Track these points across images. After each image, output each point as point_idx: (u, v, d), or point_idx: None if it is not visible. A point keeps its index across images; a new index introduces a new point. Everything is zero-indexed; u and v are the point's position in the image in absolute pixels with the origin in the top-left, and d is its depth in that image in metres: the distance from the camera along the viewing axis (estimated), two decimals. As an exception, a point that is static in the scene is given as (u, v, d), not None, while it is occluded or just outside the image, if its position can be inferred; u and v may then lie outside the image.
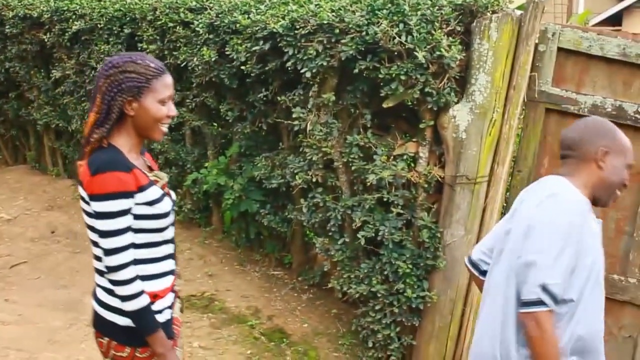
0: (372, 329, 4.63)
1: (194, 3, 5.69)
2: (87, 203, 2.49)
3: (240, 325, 5.16)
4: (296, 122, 4.77)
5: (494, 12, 4.17)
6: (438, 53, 4.07)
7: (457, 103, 4.26)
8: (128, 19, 6.38)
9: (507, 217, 2.79)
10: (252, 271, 5.95)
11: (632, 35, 4.22)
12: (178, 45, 5.81)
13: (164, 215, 2.59)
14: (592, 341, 2.53)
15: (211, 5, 5.52)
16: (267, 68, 4.97)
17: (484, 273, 2.85)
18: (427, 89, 4.17)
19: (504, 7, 4.20)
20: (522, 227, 2.51)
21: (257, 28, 4.84)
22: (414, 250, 4.42)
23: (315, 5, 4.52)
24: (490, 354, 2.60)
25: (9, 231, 6.81)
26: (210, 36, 5.37)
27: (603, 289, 2.58)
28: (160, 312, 2.61)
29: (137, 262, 2.53)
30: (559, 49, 4.25)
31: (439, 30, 4.10)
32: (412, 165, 4.46)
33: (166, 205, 2.60)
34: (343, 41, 4.31)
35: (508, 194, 4.50)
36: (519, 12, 4.24)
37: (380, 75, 4.23)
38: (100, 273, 2.59)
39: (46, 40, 7.25)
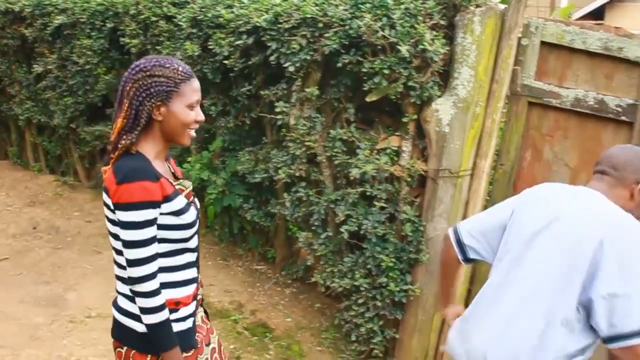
0: (355, 323, 4.64)
1: (177, -3, 5.69)
2: (112, 211, 2.44)
3: (224, 320, 5.15)
4: (279, 117, 4.77)
5: (477, 6, 4.18)
6: (421, 47, 4.08)
7: (440, 97, 4.27)
8: (110, 13, 6.36)
9: (517, 210, 2.73)
10: (235, 266, 5.95)
11: (614, 29, 4.23)
12: (161, 39, 5.79)
13: (190, 226, 2.54)
14: None
15: (194, -1, 5.52)
16: (250, 62, 4.96)
17: (468, 260, 2.87)
18: (410, 83, 4.18)
19: (487, 1, 4.21)
20: (604, 255, 2.38)
21: (240, 22, 4.83)
22: (397, 244, 4.43)
23: (299, -2, 4.52)
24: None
25: (-10, 227, 6.78)
26: (194, 30, 5.36)
27: None
28: (183, 319, 2.57)
29: (160, 270, 2.48)
30: (542, 43, 4.26)
31: (423, 24, 4.11)
32: (395, 159, 4.46)
33: (191, 215, 2.54)
34: (326, 35, 4.31)
35: (491, 187, 4.51)
36: (502, 6, 4.25)
37: (364, 69, 4.23)
38: (123, 280, 2.55)
39: (28, 34, 7.20)
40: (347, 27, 4.22)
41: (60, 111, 7.16)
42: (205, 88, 5.63)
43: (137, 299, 2.44)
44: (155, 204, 2.39)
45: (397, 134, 4.49)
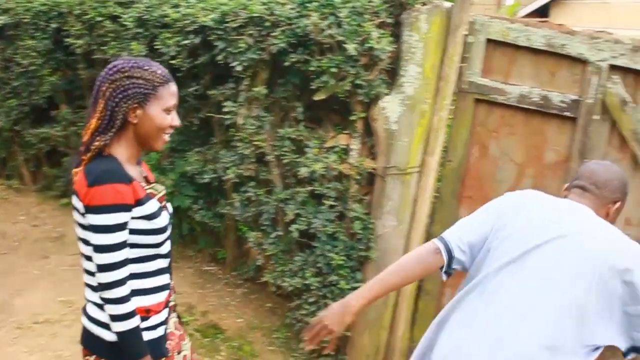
0: (306, 322, 4.62)
1: (122, -4, 5.62)
2: (82, 215, 2.38)
3: (174, 322, 5.10)
4: (228, 116, 4.75)
5: (423, 4, 4.22)
6: (368, 45, 4.10)
7: (387, 95, 4.29)
8: (55, 13, 6.24)
9: (504, 219, 2.63)
10: (185, 267, 5.89)
11: (557, 26, 4.31)
12: (107, 39, 5.70)
13: (161, 231, 2.48)
14: None
15: (140, -2, 5.46)
16: (197, 62, 4.93)
17: (448, 273, 2.70)
18: (357, 81, 4.20)
19: (433, -1, 4.26)
20: (624, 276, 2.39)
21: (187, 22, 4.80)
22: (346, 242, 4.44)
23: (246, -3, 4.51)
24: None
25: None
26: (140, 30, 5.30)
27: None
28: (154, 327, 2.51)
29: (130, 276, 2.42)
30: (487, 40, 4.31)
31: (369, 23, 4.14)
32: (344, 157, 4.47)
33: (163, 219, 2.49)
34: (274, 34, 4.31)
35: (439, 183, 4.54)
36: (448, 4, 4.29)
37: (312, 68, 4.24)
38: (92, 288, 2.48)
39: (-31, 36, 7.05)
40: (294, 25, 4.22)
41: (4, 113, 7.00)
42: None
43: (107, 306, 2.38)
44: (127, 207, 2.34)
45: (345, 132, 4.51)
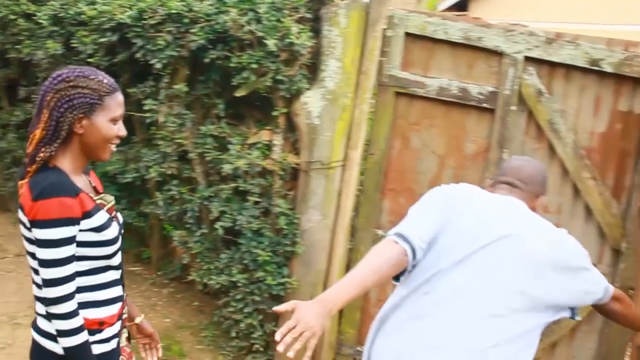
0: (234, 319, 4.62)
1: (36, -6, 5.47)
2: (28, 229, 2.31)
3: (100, 324, 5.02)
4: (148, 115, 4.68)
5: (342, -2, 4.24)
6: (288, 40, 4.10)
7: (309, 89, 4.30)
8: (-36, 12, 6.05)
9: (450, 217, 2.60)
10: (110, 269, 5.80)
11: (474, 19, 4.38)
12: (21, 38, 5.53)
13: (112, 242, 2.42)
14: None
15: (54, -5, 5.32)
16: (116, 60, 4.83)
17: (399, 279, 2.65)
18: (278, 77, 4.19)
19: (352, -7, 4.28)
20: (559, 263, 2.57)
21: (103, 19, 4.69)
22: (272, 237, 4.44)
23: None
24: None
25: None
26: (55, 28, 5.15)
27: None
28: (107, 340, 2.46)
29: (81, 289, 2.36)
30: (406, 34, 4.35)
31: (289, 18, 4.14)
32: (267, 153, 4.46)
33: (113, 230, 2.42)
34: (193, 30, 4.26)
35: (362, 177, 4.57)
36: (366, -1, 4.33)
37: (232, 64, 4.22)
38: (41, 301, 2.40)
39: None
40: (213, 22, 4.18)
41: None
42: (69, 87, 5.50)
43: (54, 321, 2.32)
44: (73, 221, 2.28)
45: (267, 127, 4.49)
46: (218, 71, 4.46)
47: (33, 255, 2.35)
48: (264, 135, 4.47)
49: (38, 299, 2.44)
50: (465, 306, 2.47)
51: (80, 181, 2.40)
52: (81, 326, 2.33)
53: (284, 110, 4.37)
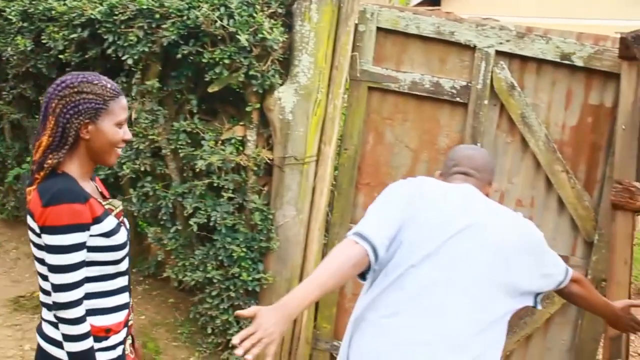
0: (210, 315, 4.61)
1: (5, -10, 5.41)
2: (38, 235, 2.30)
3: (74, 323, 4.99)
4: (121, 111, 4.64)
5: (314, -7, 4.23)
6: (260, 36, 4.09)
7: (282, 85, 4.30)
8: None
9: (412, 211, 2.58)
10: (84, 266, 5.77)
11: (445, 14, 4.39)
12: (-10, 35, 5.50)
13: (121, 247, 2.44)
14: None
15: (24, -9, 5.26)
16: (87, 56, 4.80)
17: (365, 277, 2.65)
18: (251, 72, 4.18)
19: (323, -12, 4.27)
20: (522, 249, 2.61)
21: (74, 15, 4.65)
22: (247, 233, 4.43)
23: (135, -11, 4.41)
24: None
25: None
26: (25, 24, 5.11)
27: None
28: (113, 347, 2.47)
29: (89, 295, 2.37)
30: (378, 29, 4.36)
31: (261, 13, 4.13)
32: (241, 148, 4.45)
33: (122, 236, 2.45)
34: (164, 26, 4.24)
35: (336, 172, 4.58)
36: (338, -6, 4.32)
37: (204, 60, 4.20)
38: (48, 307, 2.40)
39: None
40: (184, 17, 4.16)
41: None
42: (41, 84, 5.46)
43: (61, 326, 2.32)
44: (84, 227, 2.30)
45: (241, 123, 4.48)
46: (190, 67, 4.44)
47: (41, 261, 2.36)
48: (238, 131, 4.46)
49: (44, 304, 2.45)
50: (440, 299, 2.48)
51: (88, 186, 2.42)
52: (88, 332, 2.35)
53: (257, 105, 4.36)
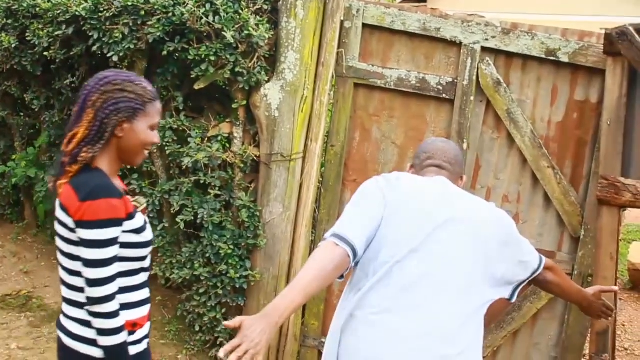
0: (197, 313, 4.60)
1: (-11, -13, 5.36)
2: (70, 229, 2.32)
3: (62, 321, 4.97)
4: (106, 108, 4.62)
5: (299, -10, 4.22)
6: (246, 32, 4.08)
7: (268, 82, 4.29)
8: None
9: (390, 210, 2.57)
10: (71, 265, 5.74)
11: (431, 10, 4.40)
12: (-26, 32, 5.46)
13: (148, 244, 2.49)
14: None
15: (8, -12, 5.22)
16: (72, 53, 4.76)
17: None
18: (237, 69, 4.17)
19: (309, -15, 4.26)
20: (500, 239, 2.64)
21: (58, 12, 4.61)
22: (234, 230, 4.42)
23: (120, -14, 4.38)
24: (434, 355, 2.48)
25: None
26: (9, 21, 5.06)
27: None
28: (139, 341, 2.49)
29: (119, 290, 2.40)
30: (364, 25, 4.37)
31: (246, 10, 4.12)
32: (227, 145, 4.45)
33: (149, 233, 2.50)
34: (150, 23, 4.22)
35: (323, 169, 4.58)
36: (324, -10, 4.32)
37: (190, 57, 4.19)
38: (72, 303, 2.42)
39: None
40: (170, 14, 4.14)
41: None
42: (26, 82, 5.43)
43: (96, 320, 2.34)
44: (119, 222, 2.33)
45: (227, 120, 4.48)
46: (176, 64, 4.42)
47: (70, 256, 2.37)
48: (224, 128, 4.45)
49: (70, 301, 2.45)
50: (427, 292, 2.49)
51: (117, 184, 2.45)
52: (122, 326, 2.38)
53: (244, 102, 4.35)
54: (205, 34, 4.15)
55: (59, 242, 2.42)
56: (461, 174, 2.88)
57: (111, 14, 4.32)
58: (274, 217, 4.41)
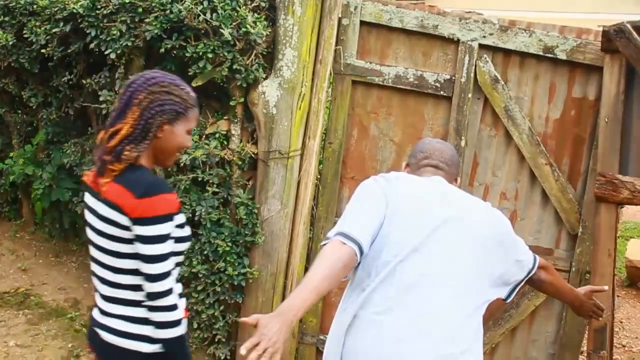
0: (196, 310, 4.60)
1: (-14, -16, 5.35)
2: (123, 227, 2.37)
3: (60, 318, 4.99)
4: (104, 106, 4.61)
5: (297, -13, 4.22)
6: (244, 30, 4.07)
7: (265, 79, 4.29)
8: None
9: (392, 208, 2.59)
10: (69, 262, 5.74)
11: (428, 8, 4.41)
12: (-29, 29, 5.44)
13: (189, 239, 2.57)
14: None
15: (6, -14, 5.21)
16: (69, 50, 4.75)
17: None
18: (235, 66, 4.17)
19: (307, -18, 4.25)
20: (497, 238, 2.66)
21: (56, 9, 4.61)
22: (232, 228, 4.42)
23: (117, -17, 4.38)
24: (438, 354, 2.49)
25: None
26: (6, 18, 5.05)
27: None
28: (185, 332, 2.54)
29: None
30: (362, 23, 4.37)
31: (244, 7, 4.11)
32: (225, 143, 4.44)
33: (188, 228, 2.56)
34: (147, 20, 4.21)
35: (321, 166, 4.58)
36: (322, -13, 4.31)
37: (188, 54, 4.18)
38: (116, 301, 2.48)
39: None
40: (167, 11, 4.13)
41: None
42: (23, 79, 5.43)
43: (158, 314, 2.40)
44: (174, 217, 2.41)
45: (225, 117, 4.47)
46: (173, 61, 4.42)
47: (117, 254, 2.42)
48: (222, 125, 4.45)
49: (110, 298, 2.50)
50: (429, 292, 2.50)
51: None
52: (182, 318, 2.45)
53: (241, 100, 4.35)
54: (202, 31, 4.14)
55: (100, 240, 2.46)
56: (456, 175, 2.90)
57: (108, 11, 4.31)
58: (271, 214, 4.41)
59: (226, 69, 4.17)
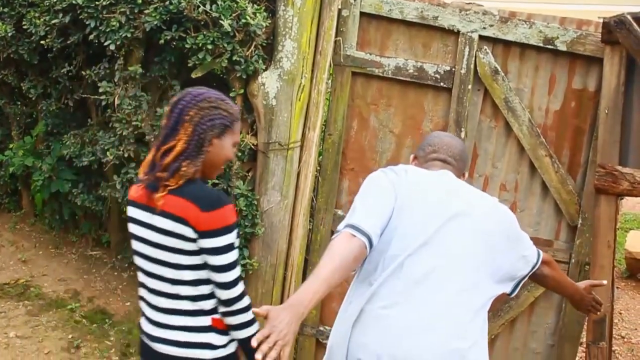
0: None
1: (-15, -25, 5.34)
2: (188, 239, 2.43)
3: (60, 310, 4.99)
4: (104, 97, 4.61)
5: (297, -22, 4.21)
6: (244, 21, 4.07)
7: (265, 70, 4.29)
8: None
9: (401, 202, 2.59)
10: (68, 253, 5.74)
11: (428, -1, 4.39)
12: (-30, 20, 5.43)
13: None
14: None
15: (4, -24, 5.20)
16: (69, 42, 4.75)
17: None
18: (235, 58, 4.16)
19: (307, -27, 4.24)
20: (504, 234, 2.68)
21: (55, 0, 4.61)
22: (232, 219, 4.42)
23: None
24: (446, 349, 2.50)
25: None
26: (5, 10, 5.04)
27: None
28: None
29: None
30: (362, 14, 4.35)
31: (244, -2, 4.10)
32: (225, 134, 4.43)
33: None
34: (147, 11, 4.20)
35: (321, 157, 4.57)
36: (321, -22, 4.30)
37: (187, 45, 4.17)
38: (175, 312, 2.55)
39: None
40: (167, 2, 4.12)
41: None
42: (22, 70, 5.42)
43: (237, 317, 2.50)
44: (237, 225, 2.53)
45: (225, 109, 4.46)
46: (173, 52, 4.41)
47: (177, 266, 2.49)
48: (222, 117, 4.44)
49: (169, 310, 2.57)
50: (437, 287, 2.51)
51: None
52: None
53: (241, 91, 4.35)
54: (202, 23, 4.14)
55: (158, 253, 2.52)
56: (464, 170, 2.91)
57: (108, 2, 4.31)
58: (271, 205, 4.41)
59: (226, 61, 4.17)
